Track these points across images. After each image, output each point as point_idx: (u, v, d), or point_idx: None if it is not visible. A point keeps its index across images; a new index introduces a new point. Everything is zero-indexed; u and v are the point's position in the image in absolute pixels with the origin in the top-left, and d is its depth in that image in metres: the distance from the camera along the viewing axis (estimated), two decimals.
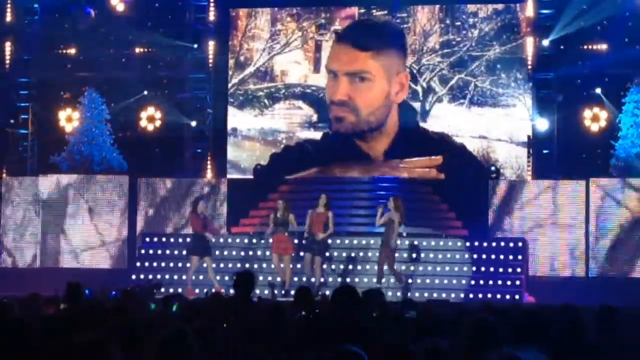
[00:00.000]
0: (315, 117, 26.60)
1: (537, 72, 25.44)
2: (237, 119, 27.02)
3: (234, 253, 22.95)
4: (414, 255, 22.23)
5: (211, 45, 27.16)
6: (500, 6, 25.96)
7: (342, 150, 25.77)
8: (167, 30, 27.05)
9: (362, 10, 26.70)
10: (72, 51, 27.81)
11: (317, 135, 26.42)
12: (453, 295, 21.37)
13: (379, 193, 23.21)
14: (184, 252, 22.43)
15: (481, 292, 21.46)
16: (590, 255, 23.05)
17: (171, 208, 25.15)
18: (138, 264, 23.46)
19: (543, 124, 25.37)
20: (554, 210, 23.42)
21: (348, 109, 25.65)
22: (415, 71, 26.03)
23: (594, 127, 25.18)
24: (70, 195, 25.23)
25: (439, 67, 26.05)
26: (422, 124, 25.85)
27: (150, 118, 27.14)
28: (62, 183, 25.30)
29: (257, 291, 20.39)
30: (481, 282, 21.76)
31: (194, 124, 27.27)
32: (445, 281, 21.90)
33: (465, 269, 22.13)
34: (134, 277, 22.58)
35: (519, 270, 22.05)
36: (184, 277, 22.36)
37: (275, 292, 20.72)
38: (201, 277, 21.92)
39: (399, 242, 21.85)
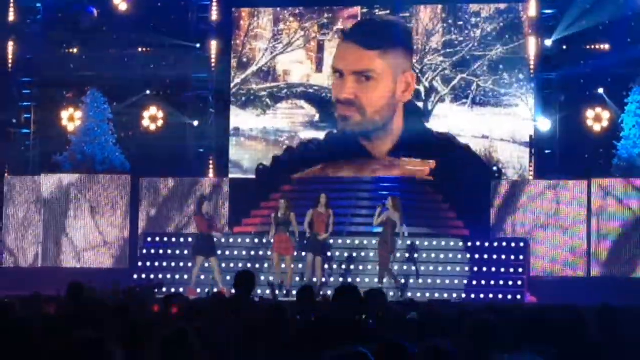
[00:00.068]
0: (317, 117, 26.61)
1: (539, 72, 25.43)
2: (240, 118, 27.03)
3: (235, 253, 22.93)
4: (414, 255, 22.18)
5: (214, 45, 27.16)
6: (502, 6, 25.96)
7: (345, 150, 25.77)
8: (169, 30, 27.06)
9: (365, 10, 26.70)
10: (75, 50, 27.85)
11: (320, 134, 26.42)
12: (455, 295, 21.36)
13: (381, 193, 23.19)
14: (190, 252, 22.40)
15: (483, 292, 21.44)
16: (592, 255, 23.04)
17: (173, 208, 25.14)
18: (140, 263, 23.46)
19: (545, 124, 25.36)
20: (556, 211, 23.41)
21: (354, 108, 25.66)
22: (417, 71, 26.03)
23: (597, 127, 25.18)
24: (73, 194, 25.24)
25: (441, 67, 26.05)
26: (426, 124, 25.83)
27: (152, 117, 27.16)
28: (64, 182, 25.31)
29: (259, 291, 20.41)
30: (483, 282, 21.74)
31: (196, 123, 27.28)
32: (447, 281, 21.87)
33: (465, 269, 22.10)
34: (135, 276, 22.57)
35: (520, 270, 22.03)
36: (185, 276, 22.36)
37: (277, 292, 20.70)
38: (202, 277, 21.90)
39: (400, 242, 21.85)
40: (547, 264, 23.26)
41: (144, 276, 22.53)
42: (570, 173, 24.05)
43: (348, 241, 22.73)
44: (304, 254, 21.36)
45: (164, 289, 20.48)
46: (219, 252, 22.39)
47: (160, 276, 22.42)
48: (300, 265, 21.65)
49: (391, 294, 19.90)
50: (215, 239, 22.02)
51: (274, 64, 26.99)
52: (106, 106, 26.06)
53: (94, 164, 25.62)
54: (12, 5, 27.47)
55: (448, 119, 25.87)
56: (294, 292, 20.47)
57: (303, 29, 26.91)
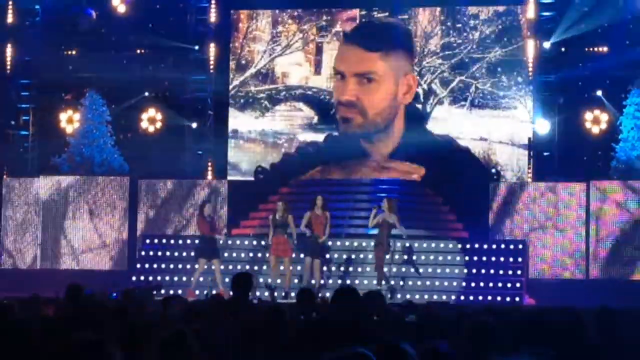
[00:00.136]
0: (316, 119, 26.61)
1: (538, 75, 25.44)
2: (238, 120, 27.03)
3: (234, 255, 22.91)
4: (412, 257, 22.18)
5: (212, 46, 27.17)
6: (501, 8, 25.97)
7: (345, 152, 25.76)
8: (168, 32, 27.06)
9: (364, 12, 26.71)
10: (74, 52, 27.85)
11: (318, 137, 26.42)
12: (453, 297, 21.36)
13: (379, 195, 23.18)
14: (192, 254, 22.40)
15: (481, 294, 21.43)
16: (590, 258, 23.05)
17: (172, 209, 25.15)
18: (138, 265, 23.44)
19: (544, 126, 25.38)
20: (555, 213, 23.42)
21: (356, 109, 25.67)
22: (416, 73, 26.03)
23: (595, 130, 25.20)
24: (71, 196, 25.23)
25: (439, 69, 26.06)
26: (429, 128, 25.84)
27: (151, 119, 27.17)
28: (62, 184, 25.31)
29: (258, 293, 20.40)
30: (481, 284, 21.73)
31: (194, 125, 27.28)
32: (445, 283, 21.86)
33: (463, 271, 22.06)
34: (134, 278, 22.56)
35: (519, 272, 22.02)
36: (184, 278, 22.35)
37: (275, 294, 20.68)
38: (201, 279, 21.88)
39: (399, 244, 21.86)
40: (545, 266, 23.27)
41: (142, 278, 22.51)
42: (569, 175, 24.05)
43: (347, 243, 22.73)
44: (302, 255, 21.35)
45: (163, 291, 20.50)
46: None
47: (159, 278, 22.38)
48: (299, 268, 21.64)
49: (389, 296, 19.90)
50: (219, 241, 21.99)
51: (272, 66, 27.00)
52: (105, 108, 26.07)
53: (93, 166, 25.62)
54: (10, 7, 27.48)
55: (447, 121, 25.87)
56: (293, 294, 20.50)
57: (301, 31, 26.92)
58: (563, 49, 25.66)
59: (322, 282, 21.32)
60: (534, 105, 25.46)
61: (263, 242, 22.30)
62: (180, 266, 22.93)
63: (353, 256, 22.45)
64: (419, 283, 21.86)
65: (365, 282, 21.51)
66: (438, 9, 26.34)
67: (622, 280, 22.64)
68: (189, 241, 23.46)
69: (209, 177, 26.56)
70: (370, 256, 21.97)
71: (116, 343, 5.15)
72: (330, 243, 21.95)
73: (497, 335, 6.58)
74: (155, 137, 27.06)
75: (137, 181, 25.33)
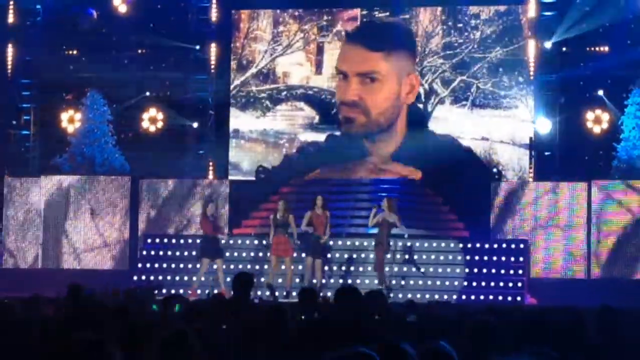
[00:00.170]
0: (317, 119, 26.61)
1: (539, 74, 25.43)
2: (239, 120, 27.03)
3: (235, 254, 22.90)
4: (413, 257, 22.18)
5: (213, 46, 27.17)
6: (502, 8, 25.96)
7: (346, 152, 25.76)
8: (169, 32, 27.06)
9: (365, 12, 26.70)
10: (75, 52, 27.85)
11: (319, 136, 26.41)
12: (455, 296, 21.36)
13: (380, 194, 23.17)
14: (193, 254, 22.39)
15: (482, 293, 21.43)
16: (592, 257, 23.03)
17: (173, 209, 25.13)
18: (139, 265, 23.44)
19: (545, 126, 25.36)
20: (556, 212, 23.39)
21: (359, 109, 25.66)
22: (417, 73, 26.02)
23: (596, 129, 25.19)
24: (72, 196, 25.23)
25: (441, 68, 26.05)
26: (430, 127, 25.83)
27: (152, 119, 27.16)
28: (64, 184, 25.31)
29: (259, 293, 20.40)
30: (482, 283, 21.72)
31: (195, 125, 27.28)
32: (447, 282, 21.85)
33: (464, 270, 22.06)
34: (135, 278, 22.56)
35: (520, 271, 22.01)
36: (185, 278, 22.36)
37: (277, 293, 20.67)
38: (202, 279, 21.87)
39: (400, 243, 21.85)
40: (547, 265, 23.25)
41: (143, 277, 22.52)
42: (570, 175, 24.03)
43: (348, 242, 22.72)
44: (303, 255, 21.34)
45: (164, 290, 20.51)
46: None
47: (160, 277, 22.40)
48: (300, 267, 21.63)
49: (391, 295, 19.89)
50: (222, 241, 21.98)
51: (273, 66, 27.00)
52: (106, 108, 26.06)
53: (94, 166, 25.62)
54: (11, 7, 27.48)
55: (448, 121, 25.87)
56: (294, 294, 20.49)
57: (302, 31, 26.91)
58: (564, 49, 25.65)
59: (323, 281, 21.31)
60: (535, 104, 25.46)
61: (264, 242, 22.29)
62: (181, 266, 22.93)
63: (354, 256, 22.44)
64: (420, 282, 21.85)
65: (367, 281, 21.50)
66: (439, 8, 26.34)
67: (623, 279, 22.63)
68: (190, 241, 23.46)
69: (210, 176, 26.55)
70: (371, 256, 21.96)
71: (117, 343, 5.15)
72: (331, 243, 21.94)
73: (498, 335, 6.57)
74: (156, 136, 27.06)
75: (138, 181, 25.32)
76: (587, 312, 8.51)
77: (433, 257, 22.32)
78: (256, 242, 22.96)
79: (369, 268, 21.99)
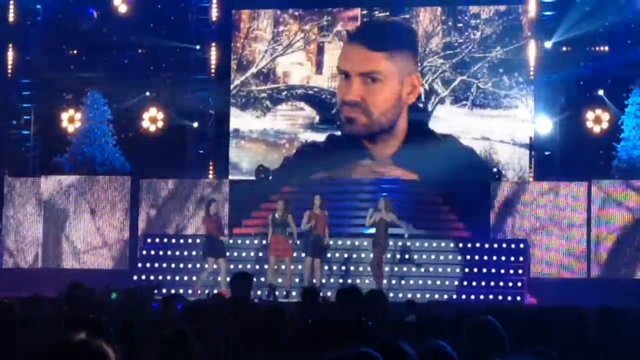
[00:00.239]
0: (317, 119, 26.61)
1: (539, 74, 25.43)
2: (239, 120, 27.04)
3: (235, 254, 22.89)
4: (413, 257, 22.19)
5: (213, 46, 27.16)
6: (502, 8, 25.96)
7: (347, 152, 25.76)
8: (169, 32, 27.08)
9: (365, 12, 26.70)
10: (75, 52, 27.85)
11: (320, 136, 26.41)
12: (454, 296, 21.37)
13: (381, 195, 23.16)
14: (194, 253, 22.37)
15: (482, 293, 21.44)
16: (591, 257, 23.03)
17: (173, 209, 25.12)
18: (139, 264, 23.44)
19: (545, 126, 25.36)
20: (556, 212, 23.39)
21: (360, 109, 25.65)
22: (418, 73, 26.01)
23: (596, 129, 25.18)
24: (72, 196, 25.23)
25: (441, 68, 26.05)
26: (431, 127, 25.81)
27: (152, 119, 27.16)
28: (64, 184, 25.31)
29: (259, 292, 20.39)
30: (482, 283, 21.73)
31: (196, 125, 27.29)
32: (447, 282, 21.87)
33: (464, 270, 22.06)
34: (135, 277, 22.57)
35: (520, 271, 22.02)
36: (185, 278, 22.36)
37: (277, 293, 20.67)
38: (205, 278, 21.87)
39: (400, 243, 21.85)
40: (547, 265, 23.25)
41: (143, 277, 22.52)
42: (570, 175, 24.03)
43: (348, 242, 22.72)
44: (303, 255, 21.30)
45: (164, 290, 20.51)
46: None
47: (160, 277, 22.40)
48: (300, 267, 21.61)
49: (391, 294, 19.89)
50: (225, 241, 21.95)
51: (273, 66, 26.99)
52: (106, 107, 26.06)
53: (94, 165, 25.62)
54: (12, 7, 27.48)
55: (448, 120, 25.87)
56: (294, 293, 20.49)
57: (303, 31, 26.91)
58: (564, 49, 25.65)
59: (323, 281, 21.30)
60: (535, 104, 25.45)
61: (264, 242, 22.27)
62: (181, 265, 22.93)
63: (354, 255, 22.44)
64: (420, 282, 21.86)
65: (367, 281, 21.49)
66: (439, 8, 26.34)
67: (623, 279, 22.63)
68: (190, 240, 23.47)
69: (210, 176, 26.55)
70: (371, 255, 21.97)
71: (116, 342, 5.15)
72: (331, 242, 21.93)
73: (498, 334, 6.56)
74: (156, 136, 27.07)
75: (138, 180, 25.32)
76: (587, 311, 8.51)
77: (433, 256, 22.32)
78: (256, 241, 22.95)
79: (369, 268, 21.98)
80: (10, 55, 27.50)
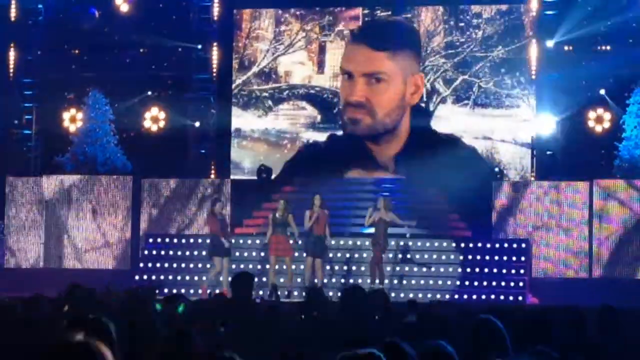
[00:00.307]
0: (319, 118, 26.60)
1: (541, 73, 25.41)
2: (241, 119, 27.03)
3: (237, 254, 22.88)
4: (412, 256, 22.18)
5: (215, 46, 27.15)
6: (504, 7, 25.95)
7: (348, 151, 25.74)
8: (170, 31, 27.06)
9: (366, 11, 26.68)
10: (76, 52, 27.85)
11: (321, 136, 26.39)
12: (456, 296, 21.36)
13: (382, 194, 23.16)
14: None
15: (484, 293, 21.43)
16: (593, 257, 23.02)
17: (175, 209, 25.12)
18: (141, 264, 23.44)
19: (547, 125, 25.34)
20: (558, 212, 23.38)
21: (365, 110, 25.58)
22: (421, 73, 25.99)
23: (598, 129, 25.16)
24: (74, 195, 25.24)
25: (442, 68, 26.04)
26: (432, 126, 25.79)
27: (154, 118, 27.15)
28: (65, 183, 25.31)
29: (260, 292, 20.39)
30: (484, 283, 21.72)
31: (197, 124, 27.27)
32: (448, 282, 21.87)
33: (466, 270, 22.05)
34: (137, 277, 22.57)
35: (522, 271, 22.02)
36: (187, 277, 22.37)
37: (279, 293, 20.66)
38: (204, 278, 21.87)
39: (402, 242, 21.84)
40: (548, 265, 23.24)
41: (145, 277, 22.52)
42: (572, 174, 24.02)
43: (350, 242, 22.71)
44: (305, 255, 21.28)
45: (166, 290, 20.51)
46: None
47: (162, 277, 22.40)
48: (302, 267, 21.60)
49: (392, 294, 19.87)
50: (231, 240, 21.90)
51: (275, 65, 26.99)
52: (107, 107, 26.06)
53: (96, 165, 25.62)
54: (13, 6, 27.47)
55: (449, 120, 25.85)
56: (295, 293, 20.50)
57: (304, 30, 26.90)
58: (566, 48, 25.62)
59: (325, 281, 21.29)
60: (537, 104, 25.44)
61: (267, 242, 22.24)
62: (183, 265, 22.93)
63: (356, 255, 22.43)
64: (422, 282, 21.85)
65: (369, 281, 21.48)
66: (441, 7, 26.32)
67: (625, 279, 22.62)
68: (192, 240, 23.48)
69: (212, 176, 26.55)
70: (372, 255, 21.96)
71: (117, 342, 5.15)
72: (333, 242, 21.92)
73: (499, 334, 6.56)
74: (158, 136, 27.06)
75: (140, 180, 25.32)
76: (589, 311, 8.51)
77: (435, 256, 22.32)
78: (258, 241, 22.93)
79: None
80: (12, 54, 27.49)
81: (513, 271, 21.97)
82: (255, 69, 26.99)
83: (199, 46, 27.26)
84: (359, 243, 22.61)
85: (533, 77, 25.47)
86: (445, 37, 26.11)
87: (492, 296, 21.25)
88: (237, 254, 22.85)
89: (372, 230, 21.20)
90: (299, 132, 26.66)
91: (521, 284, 21.72)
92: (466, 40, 25.91)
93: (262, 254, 22.57)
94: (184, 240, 23.70)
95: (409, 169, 25.25)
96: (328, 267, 21.94)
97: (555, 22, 25.32)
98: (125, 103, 27.06)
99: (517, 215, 23.64)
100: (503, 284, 21.69)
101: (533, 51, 25.45)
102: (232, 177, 26.24)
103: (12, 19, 27.49)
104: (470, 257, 22.28)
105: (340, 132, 26.26)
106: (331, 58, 26.60)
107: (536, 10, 25.55)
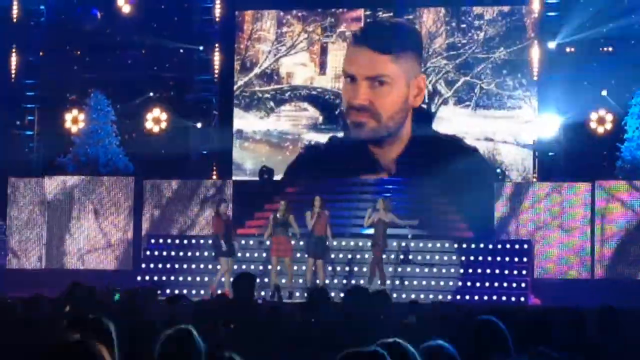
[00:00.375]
0: (321, 119, 26.59)
1: (543, 75, 25.40)
2: (243, 121, 27.04)
3: (239, 255, 22.85)
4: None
5: (217, 47, 27.16)
6: (505, 8, 25.94)
7: (349, 152, 25.73)
8: (172, 32, 27.08)
9: (368, 13, 26.68)
10: (78, 53, 27.87)
11: (323, 137, 26.38)
12: (458, 297, 21.33)
13: (384, 195, 23.15)
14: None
15: (486, 294, 21.41)
16: (595, 258, 23.01)
17: (177, 210, 25.13)
18: (143, 265, 23.43)
19: (549, 127, 25.33)
20: (560, 213, 23.37)
21: (369, 114, 25.53)
22: (423, 75, 25.99)
23: (600, 130, 25.15)
24: (76, 196, 25.25)
25: (444, 69, 26.03)
26: (434, 128, 25.78)
27: (156, 119, 27.16)
28: (67, 184, 25.33)
29: (262, 293, 20.38)
30: (486, 284, 21.70)
31: (199, 125, 27.29)
32: (450, 283, 21.85)
33: (468, 270, 22.03)
34: (139, 278, 22.57)
35: (524, 272, 22.00)
36: (189, 278, 22.37)
37: (282, 294, 20.64)
38: (206, 279, 21.87)
39: (403, 243, 21.83)
40: (550, 265, 23.23)
41: (147, 278, 22.52)
42: (574, 175, 24.02)
43: (351, 243, 22.71)
44: (306, 255, 21.27)
45: (168, 291, 20.52)
46: None
47: (164, 278, 22.40)
48: (304, 267, 21.58)
49: (394, 295, 19.87)
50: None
51: (277, 67, 26.99)
52: (109, 108, 26.08)
53: (98, 166, 25.63)
54: (15, 7, 27.50)
55: (451, 121, 25.84)
56: (297, 294, 20.49)
57: (306, 32, 26.90)
58: (568, 49, 25.62)
59: (326, 282, 21.28)
60: (538, 105, 25.44)
61: (268, 242, 22.24)
62: (185, 266, 22.92)
63: (358, 256, 22.42)
64: (424, 283, 21.84)
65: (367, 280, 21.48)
66: (442, 9, 26.32)
67: (627, 280, 22.61)
68: (194, 241, 23.48)
69: (214, 177, 26.56)
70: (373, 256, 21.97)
71: (118, 342, 5.14)
72: (335, 243, 21.92)
73: (501, 335, 6.55)
74: (160, 137, 27.07)
75: (142, 181, 25.33)
76: (590, 312, 8.50)
77: (437, 257, 22.30)
78: (260, 242, 22.93)
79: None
80: (14, 55, 27.52)
81: (515, 272, 21.95)
82: (257, 70, 27.00)
83: (201, 47, 27.28)
84: (360, 244, 22.59)
85: (535, 78, 25.46)
86: (447, 38, 26.11)
87: (494, 297, 21.24)
88: (240, 254, 22.83)
89: (371, 231, 21.19)
90: (300, 134, 26.66)
91: (523, 285, 21.71)
92: (468, 42, 25.90)
93: (264, 254, 22.57)
94: (186, 241, 23.69)
95: (411, 170, 25.25)
96: (330, 268, 21.92)
97: (557, 24, 25.33)
98: (127, 104, 27.08)
99: (519, 216, 23.63)
100: (505, 285, 21.67)
101: (535, 52, 25.45)
102: (234, 178, 26.25)
103: (14, 20, 27.52)
104: (472, 258, 22.26)
105: (341, 134, 26.25)
106: (333, 59, 26.60)
107: (538, 12, 25.55)
